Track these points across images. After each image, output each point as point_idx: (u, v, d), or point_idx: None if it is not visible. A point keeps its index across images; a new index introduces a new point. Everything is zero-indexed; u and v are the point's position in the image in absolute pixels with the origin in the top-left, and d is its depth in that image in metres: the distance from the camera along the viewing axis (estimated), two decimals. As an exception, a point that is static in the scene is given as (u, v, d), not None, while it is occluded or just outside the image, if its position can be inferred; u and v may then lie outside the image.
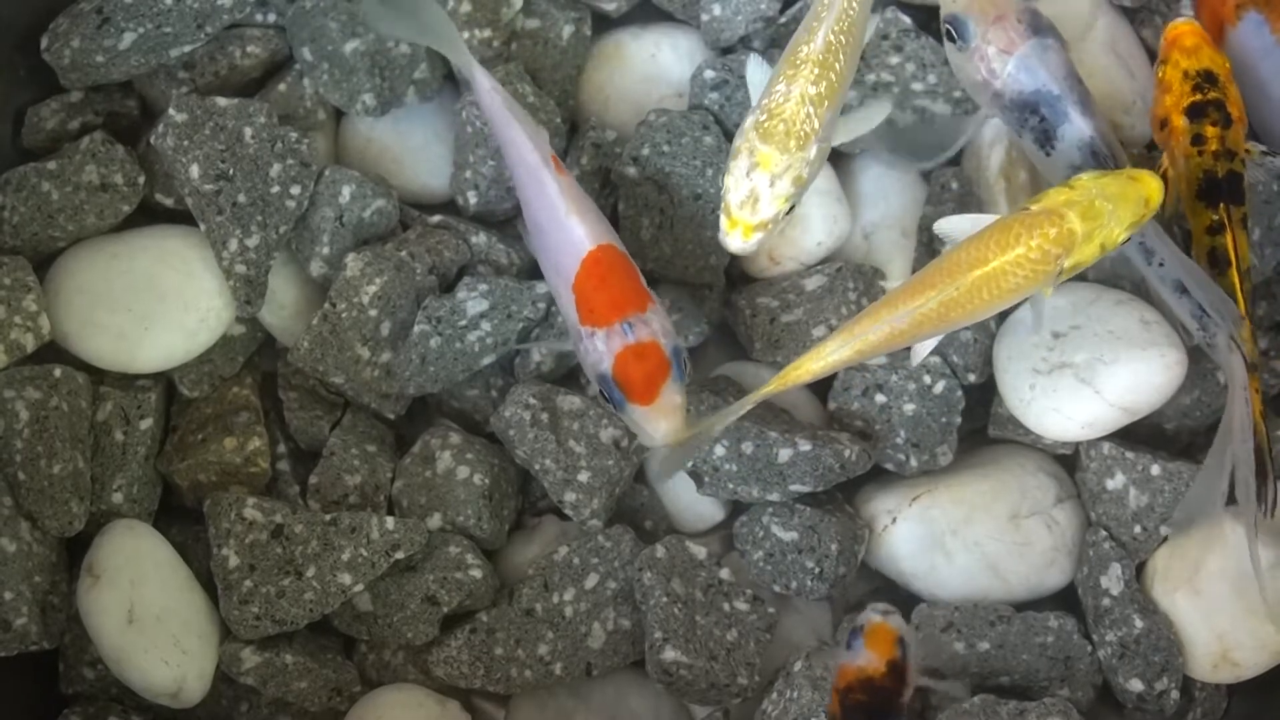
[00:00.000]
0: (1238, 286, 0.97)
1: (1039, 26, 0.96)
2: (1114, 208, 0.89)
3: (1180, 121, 1.00)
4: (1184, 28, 1.02)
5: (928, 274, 0.90)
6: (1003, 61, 0.96)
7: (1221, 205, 0.98)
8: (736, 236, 0.92)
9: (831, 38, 0.94)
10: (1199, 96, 1.00)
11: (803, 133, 0.92)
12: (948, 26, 0.97)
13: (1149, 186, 0.90)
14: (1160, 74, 1.02)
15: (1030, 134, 0.97)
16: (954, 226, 0.95)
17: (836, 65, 0.93)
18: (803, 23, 0.96)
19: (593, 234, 0.93)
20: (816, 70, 0.93)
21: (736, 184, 0.92)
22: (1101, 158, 0.96)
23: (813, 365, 0.90)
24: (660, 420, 0.89)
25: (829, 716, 0.87)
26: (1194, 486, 0.98)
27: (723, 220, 0.92)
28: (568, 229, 0.94)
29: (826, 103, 0.93)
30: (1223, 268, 0.98)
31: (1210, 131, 0.99)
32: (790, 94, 0.92)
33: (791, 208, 0.93)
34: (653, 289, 0.94)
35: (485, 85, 0.99)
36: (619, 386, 0.89)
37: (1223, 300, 0.95)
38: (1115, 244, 0.90)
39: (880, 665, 0.84)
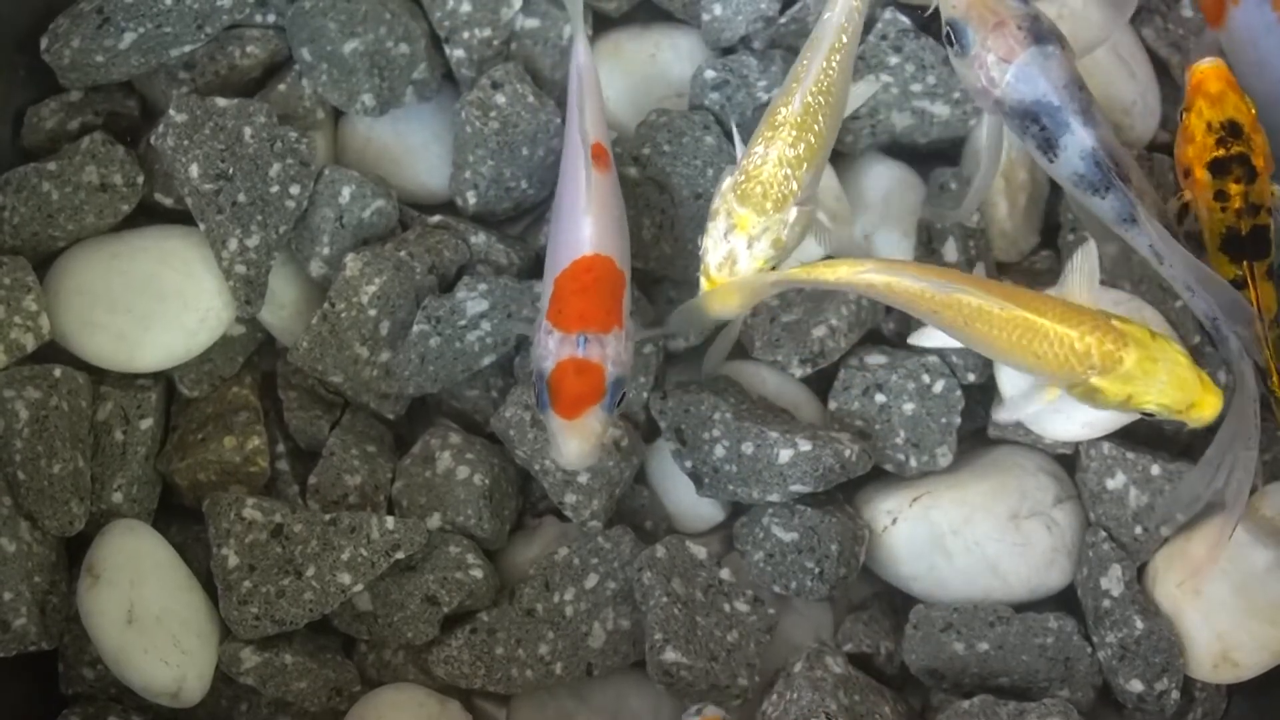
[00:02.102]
0: (1263, 339, 0.96)
1: (1040, 33, 0.94)
2: (1166, 386, 0.90)
3: (1203, 175, 0.99)
4: (1208, 70, 0.99)
5: (993, 284, 0.92)
6: (1002, 70, 0.94)
7: (1245, 262, 0.98)
8: None
9: (810, 99, 0.94)
10: (1222, 151, 0.98)
11: (780, 195, 0.92)
12: (948, 31, 0.97)
13: (1205, 404, 0.90)
14: (1185, 121, 1.00)
15: (1033, 140, 0.96)
16: (1071, 279, 0.95)
17: (815, 127, 0.94)
18: (782, 85, 0.96)
19: (596, 240, 0.94)
20: (795, 133, 0.93)
21: (715, 245, 0.93)
22: (1105, 168, 0.94)
23: (843, 271, 0.93)
24: (572, 439, 0.90)
25: None
26: (1185, 482, 0.99)
27: (701, 281, 0.93)
28: (578, 225, 0.94)
29: (805, 164, 0.93)
30: None
31: (1234, 189, 0.98)
32: (768, 156, 0.93)
33: (773, 269, 0.93)
34: (641, 301, 0.94)
35: (579, 59, 1.01)
36: (549, 391, 0.90)
37: (1234, 301, 0.95)
38: (1138, 408, 0.91)
39: None
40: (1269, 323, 0.98)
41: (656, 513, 1.07)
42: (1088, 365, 0.90)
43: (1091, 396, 0.92)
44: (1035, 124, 0.95)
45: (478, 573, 1.01)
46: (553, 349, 0.91)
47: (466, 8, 1.08)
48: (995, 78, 0.95)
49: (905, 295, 0.92)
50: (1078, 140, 0.94)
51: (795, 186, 0.92)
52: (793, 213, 0.92)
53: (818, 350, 1.05)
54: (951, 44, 0.96)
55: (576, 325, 0.91)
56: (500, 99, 1.06)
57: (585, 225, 0.94)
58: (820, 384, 1.08)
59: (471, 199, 1.08)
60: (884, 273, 0.93)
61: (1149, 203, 0.96)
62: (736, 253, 0.92)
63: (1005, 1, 0.95)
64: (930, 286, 0.91)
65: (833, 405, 1.06)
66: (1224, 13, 1.03)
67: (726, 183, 0.94)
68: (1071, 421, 1.01)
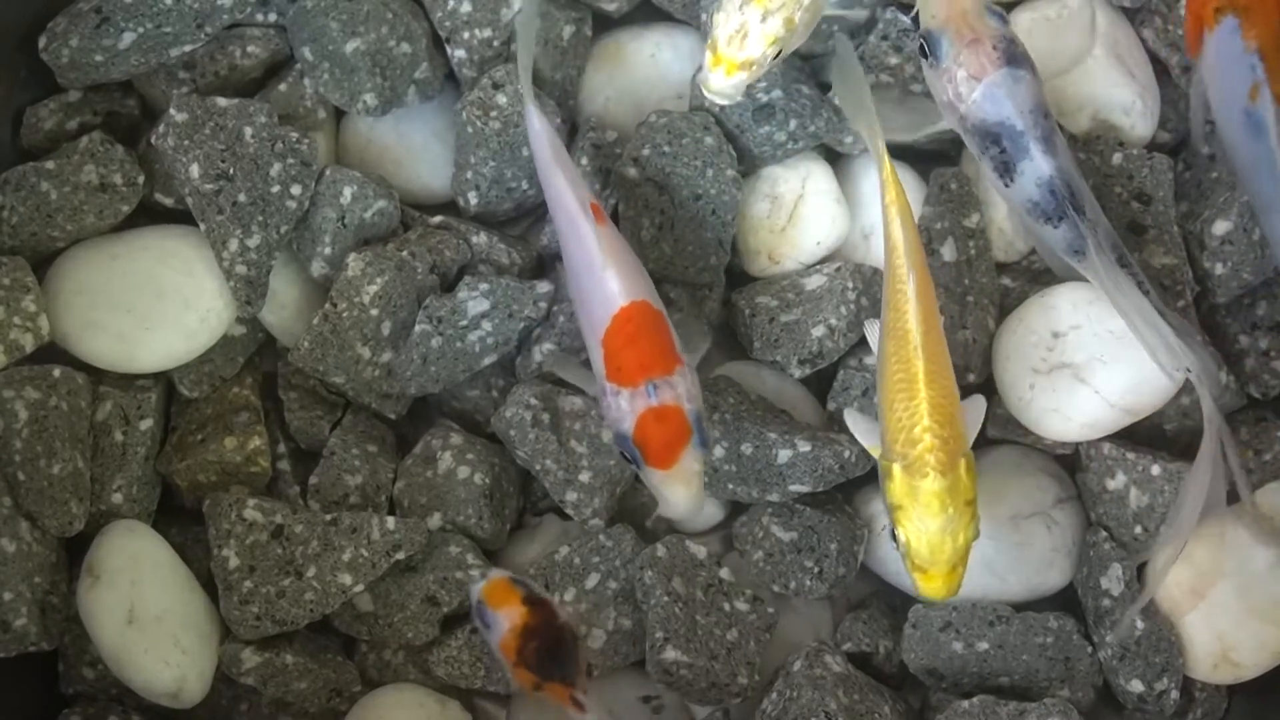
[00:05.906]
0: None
1: (1014, 56, 0.94)
2: (924, 537, 0.86)
3: None
4: None
5: (937, 330, 0.91)
6: (970, 87, 0.94)
7: None
8: (719, 74, 0.92)
9: None
10: None
11: None
12: (921, 41, 0.97)
13: (932, 586, 0.87)
14: None
15: (990, 162, 0.96)
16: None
17: None
18: None
19: (627, 289, 0.92)
20: None
21: (727, 18, 0.92)
22: (1060, 197, 0.95)
23: (891, 192, 0.94)
24: (678, 486, 0.88)
25: (528, 687, 0.87)
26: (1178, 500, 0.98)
27: (706, 57, 0.92)
28: (603, 282, 0.93)
29: None
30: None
31: None
32: None
33: (778, 54, 0.92)
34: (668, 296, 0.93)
35: (534, 126, 0.99)
36: (638, 448, 0.89)
37: (1182, 348, 0.94)
38: (893, 525, 0.88)
39: (521, 612, 0.85)
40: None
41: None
42: (901, 450, 0.87)
43: (882, 477, 0.90)
44: (995, 145, 0.95)
45: (478, 572, 1.01)
46: (626, 407, 0.89)
47: (467, 8, 1.08)
48: (963, 93, 0.94)
49: (892, 250, 0.92)
50: (1036, 167, 0.94)
51: None
52: None
53: (816, 350, 1.05)
54: (926, 55, 0.96)
55: (641, 376, 0.89)
56: (501, 99, 1.06)
57: (610, 280, 0.92)
58: (820, 384, 1.08)
59: (473, 199, 1.08)
60: (902, 221, 0.92)
61: (1102, 234, 0.96)
62: (749, 25, 0.91)
63: (985, 20, 0.94)
64: (910, 271, 0.90)
65: (832, 406, 1.06)
66: (1202, 37, 1.02)
67: None
68: (1071, 422, 1.01)
